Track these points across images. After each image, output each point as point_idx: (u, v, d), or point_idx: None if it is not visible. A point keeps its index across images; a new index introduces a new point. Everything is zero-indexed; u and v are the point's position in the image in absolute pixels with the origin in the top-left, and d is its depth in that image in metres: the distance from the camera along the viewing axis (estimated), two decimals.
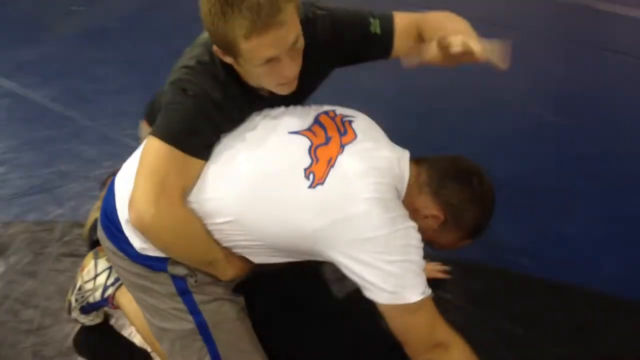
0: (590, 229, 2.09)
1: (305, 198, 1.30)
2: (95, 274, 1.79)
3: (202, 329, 1.47)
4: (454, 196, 1.37)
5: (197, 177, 1.38)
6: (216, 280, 1.47)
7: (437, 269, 1.91)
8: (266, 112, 1.47)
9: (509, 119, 2.67)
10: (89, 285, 1.80)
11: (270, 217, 1.34)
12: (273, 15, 1.20)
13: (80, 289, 1.81)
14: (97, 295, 1.78)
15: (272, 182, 1.34)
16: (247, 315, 1.53)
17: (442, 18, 1.48)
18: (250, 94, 1.42)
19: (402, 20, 1.51)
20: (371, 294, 1.30)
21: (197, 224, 1.38)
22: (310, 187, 1.30)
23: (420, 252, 1.31)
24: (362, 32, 1.49)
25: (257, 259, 1.44)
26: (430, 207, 1.37)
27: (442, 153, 1.46)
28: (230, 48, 1.27)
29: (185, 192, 1.37)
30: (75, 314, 1.83)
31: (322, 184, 1.30)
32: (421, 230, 1.34)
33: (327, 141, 1.37)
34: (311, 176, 1.31)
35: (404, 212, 1.32)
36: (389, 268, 1.27)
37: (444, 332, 1.36)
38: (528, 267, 1.94)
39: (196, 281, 1.46)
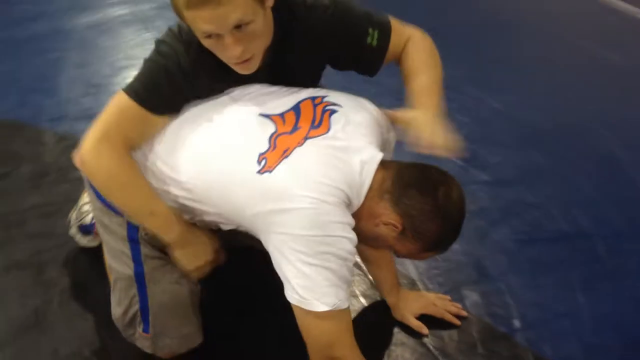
0: None
1: (252, 182, 1.28)
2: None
3: (139, 279, 1.50)
4: (415, 207, 1.30)
5: (150, 132, 1.40)
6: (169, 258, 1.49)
7: (449, 309, 1.74)
8: (248, 88, 1.45)
9: None
10: (85, 207, 1.85)
11: (216, 189, 1.34)
12: None
13: (80, 208, 1.87)
14: (88, 218, 1.83)
15: (226, 157, 1.34)
16: (191, 285, 1.52)
17: (419, 64, 1.49)
18: (228, 67, 1.38)
19: (395, 36, 1.50)
20: (285, 289, 1.28)
21: (136, 173, 1.39)
22: (258, 172, 1.28)
23: (346, 265, 1.26)
24: (358, 40, 1.47)
25: (208, 218, 1.42)
26: (388, 215, 1.31)
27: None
28: (180, 15, 1.28)
29: (133, 144, 1.39)
30: (73, 230, 1.89)
31: (270, 172, 1.27)
32: (381, 238, 1.33)
33: (292, 131, 1.34)
34: (263, 162, 1.29)
35: (345, 220, 1.26)
36: (305, 269, 1.23)
37: (348, 351, 1.32)
38: None
39: (146, 234, 1.48)
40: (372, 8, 1.49)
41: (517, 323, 1.72)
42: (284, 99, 1.43)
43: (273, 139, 1.32)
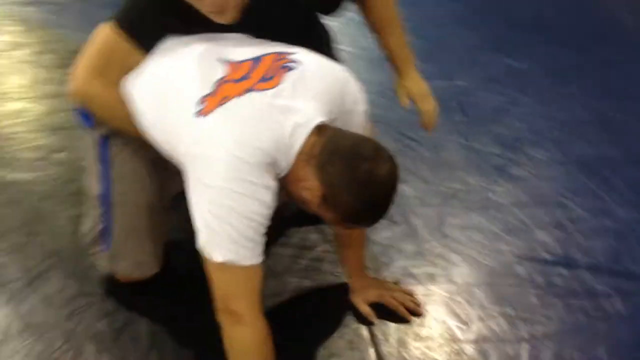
0: None
1: (187, 123, 1.30)
2: None
3: (106, 200, 1.57)
4: (335, 176, 1.24)
5: (131, 65, 1.44)
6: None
7: (407, 304, 1.68)
8: (224, 34, 1.44)
9: None
10: None
11: (159, 124, 1.40)
12: None
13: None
14: None
15: (172, 94, 1.37)
16: (155, 214, 1.58)
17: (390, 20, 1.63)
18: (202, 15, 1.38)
19: None
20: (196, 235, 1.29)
21: (117, 104, 1.44)
22: (195, 114, 1.29)
23: (250, 225, 1.24)
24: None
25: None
26: (310, 181, 1.27)
27: None
28: None
29: (116, 72, 1.44)
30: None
31: (205, 116, 1.28)
32: (306, 201, 1.30)
33: (239, 79, 1.32)
34: (202, 106, 1.30)
35: (260, 182, 1.23)
36: (209, 219, 1.25)
37: (244, 307, 1.31)
38: None
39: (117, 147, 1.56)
40: None
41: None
42: (251, 48, 1.39)
43: (219, 84, 1.31)
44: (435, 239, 1.87)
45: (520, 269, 1.80)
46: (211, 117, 1.26)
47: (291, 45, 1.41)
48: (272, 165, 1.25)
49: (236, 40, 1.43)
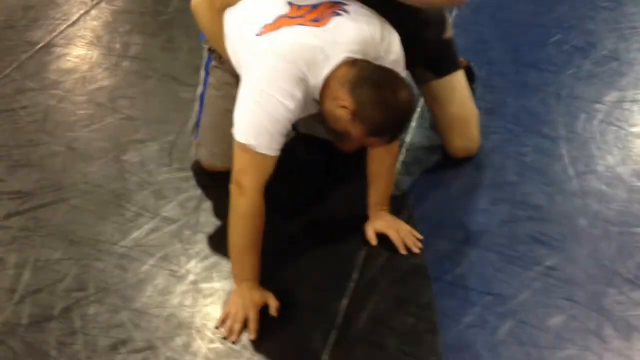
0: None
1: (248, 42, 1.70)
2: None
3: (201, 99, 2.06)
4: (365, 95, 1.56)
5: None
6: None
7: (406, 241, 1.90)
8: None
9: None
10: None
11: (237, 40, 1.78)
12: None
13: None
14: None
15: (246, 22, 1.75)
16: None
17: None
18: None
19: None
20: None
21: (215, 24, 1.86)
22: (255, 35, 1.68)
23: (271, 120, 1.59)
24: None
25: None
26: (344, 100, 1.57)
27: None
28: None
29: (222, 2, 1.84)
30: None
31: (260, 36, 1.67)
32: (338, 118, 1.60)
33: (295, 17, 1.67)
34: (262, 30, 1.68)
35: (288, 88, 1.58)
36: (242, 105, 1.63)
37: (249, 183, 1.63)
38: None
39: (218, 64, 2.01)
40: None
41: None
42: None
43: (278, 17, 1.68)
44: None
45: None
46: (265, 36, 1.65)
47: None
48: (303, 80, 1.59)
49: None
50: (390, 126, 1.61)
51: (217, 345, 1.66)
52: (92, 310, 1.73)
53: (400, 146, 2.25)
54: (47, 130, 2.34)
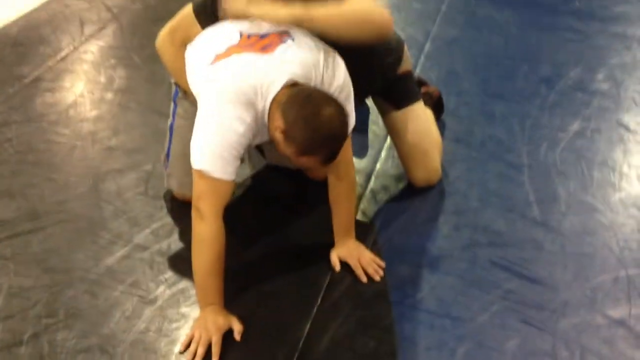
0: None
1: (202, 69, 1.78)
2: None
3: (171, 129, 2.14)
4: (291, 115, 1.62)
5: (193, 34, 1.91)
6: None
7: (367, 269, 1.95)
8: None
9: None
10: None
11: (190, 68, 1.87)
12: None
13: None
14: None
15: (202, 51, 1.82)
16: None
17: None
18: None
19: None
20: None
21: (177, 60, 1.94)
22: (208, 64, 1.76)
23: (222, 144, 1.66)
24: None
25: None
26: (277, 120, 1.64)
27: None
28: None
29: (181, 38, 1.95)
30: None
31: (213, 64, 1.75)
32: (277, 141, 1.67)
33: (245, 45, 1.75)
34: (214, 59, 1.75)
35: (238, 114, 1.65)
36: (197, 134, 1.70)
37: (208, 208, 1.70)
38: None
39: (183, 95, 2.07)
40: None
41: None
42: (269, 28, 1.80)
43: (230, 46, 1.76)
44: None
45: None
46: (216, 64, 1.73)
47: (299, 31, 1.79)
48: (251, 105, 1.66)
49: (261, 25, 1.82)
50: (317, 144, 1.64)
51: None
52: (60, 336, 1.78)
53: (370, 174, 2.33)
54: (30, 161, 2.41)
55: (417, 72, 2.92)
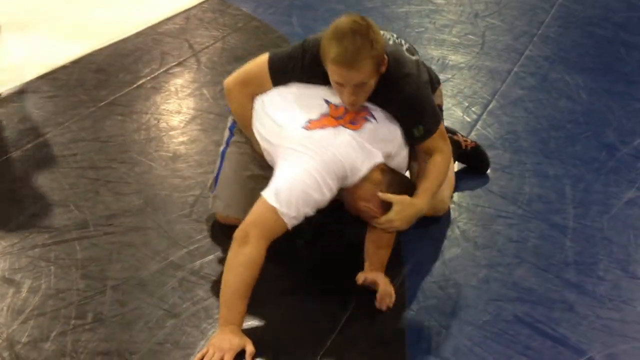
0: None
1: (294, 131, 1.94)
2: None
3: (222, 155, 2.26)
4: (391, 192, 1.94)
5: (264, 89, 2.08)
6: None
7: (385, 298, 1.97)
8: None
9: None
10: None
11: (272, 131, 2.02)
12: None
13: None
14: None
15: (289, 115, 1.99)
16: (253, 181, 2.17)
17: (430, 175, 2.04)
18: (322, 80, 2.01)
19: (431, 140, 2.05)
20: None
21: (246, 109, 2.11)
22: (302, 127, 1.94)
23: (305, 200, 1.82)
24: (407, 125, 2.04)
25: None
26: (375, 208, 1.96)
27: None
28: (324, 62, 1.92)
29: (253, 91, 2.09)
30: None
31: (308, 130, 1.93)
32: (361, 210, 1.98)
33: (336, 117, 1.96)
34: (308, 124, 1.95)
35: (330, 183, 1.86)
36: (288, 182, 1.85)
37: (258, 236, 1.81)
38: None
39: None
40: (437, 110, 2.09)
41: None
42: None
43: (322, 115, 1.97)
44: None
45: None
46: (316, 132, 1.92)
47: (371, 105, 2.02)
48: (343, 178, 1.89)
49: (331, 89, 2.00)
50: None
51: None
52: (84, 337, 1.87)
53: None
54: (89, 176, 2.56)
55: (477, 127, 2.94)
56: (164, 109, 3.06)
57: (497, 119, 3.05)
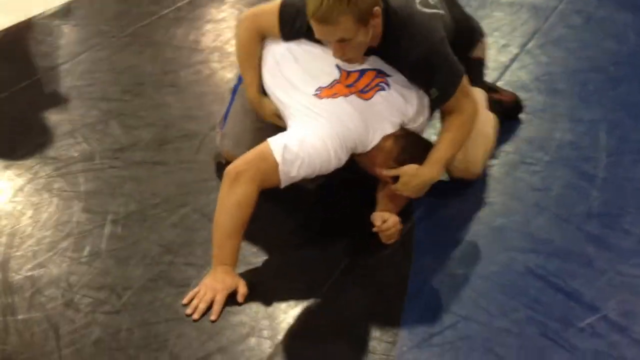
0: None
1: (307, 96, 1.87)
2: None
3: (234, 90, 2.14)
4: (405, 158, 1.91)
5: (273, 31, 1.96)
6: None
7: (390, 228, 1.89)
8: None
9: None
10: None
11: (282, 89, 1.93)
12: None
13: None
14: None
15: (299, 76, 1.91)
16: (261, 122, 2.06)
17: (450, 136, 1.92)
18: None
19: (451, 101, 1.90)
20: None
21: (252, 49, 2.01)
22: (312, 94, 1.87)
23: (310, 162, 1.76)
24: (424, 87, 1.91)
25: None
26: (386, 159, 1.91)
27: None
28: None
29: (261, 26, 1.99)
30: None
31: (319, 98, 1.85)
32: (375, 172, 1.94)
33: (348, 85, 1.87)
34: (318, 91, 1.87)
35: (339, 152, 1.81)
36: (300, 134, 1.80)
37: (252, 177, 1.73)
38: None
39: None
40: (457, 69, 1.88)
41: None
42: (364, 64, 1.90)
43: (333, 82, 1.88)
44: None
45: None
46: (325, 100, 1.85)
47: (388, 68, 1.91)
48: (352, 149, 1.85)
49: None
50: None
51: None
52: (79, 270, 1.84)
53: None
54: (99, 108, 2.53)
55: (512, 67, 2.77)
56: (183, 42, 2.98)
57: (534, 59, 2.87)
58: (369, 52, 1.88)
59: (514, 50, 2.91)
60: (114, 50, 2.87)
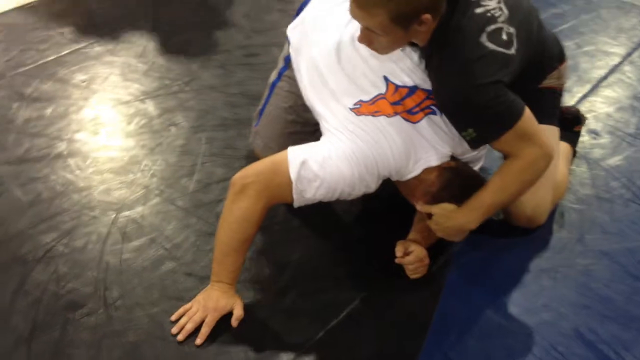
0: None
1: (342, 110, 1.61)
2: None
3: (272, 87, 1.94)
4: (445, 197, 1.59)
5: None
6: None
7: (416, 264, 1.67)
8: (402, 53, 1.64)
9: None
10: None
11: (320, 96, 1.69)
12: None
13: None
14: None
15: (340, 86, 1.64)
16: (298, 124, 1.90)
17: (501, 183, 1.57)
18: None
19: (499, 143, 1.55)
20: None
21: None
22: (350, 108, 1.61)
23: (328, 186, 1.53)
24: (456, 127, 1.57)
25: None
26: (425, 193, 1.62)
27: None
28: None
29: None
30: None
31: (357, 115, 1.59)
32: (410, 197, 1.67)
33: (394, 103, 1.59)
34: (358, 106, 1.60)
35: (369, 182, 1.57)
36: (324, 152, 1.56)
37: (255, 189, 1.54)
38: None
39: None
40: (505, 112, 1.49)
41: None
42: (412, 76, 1.61)
43: (377, 96, 1.60)
44: None
45: None
46: (363, 117, 1.58)
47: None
48: (385, 176, 1.61)
49: (405, 63, 1.62)
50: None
51: None
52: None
53: None
54: None
55: (610, 80, 2.42)
56: None
57: (637, 71, 2.48)
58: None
59: (615, 58, 2.54)
60: None
